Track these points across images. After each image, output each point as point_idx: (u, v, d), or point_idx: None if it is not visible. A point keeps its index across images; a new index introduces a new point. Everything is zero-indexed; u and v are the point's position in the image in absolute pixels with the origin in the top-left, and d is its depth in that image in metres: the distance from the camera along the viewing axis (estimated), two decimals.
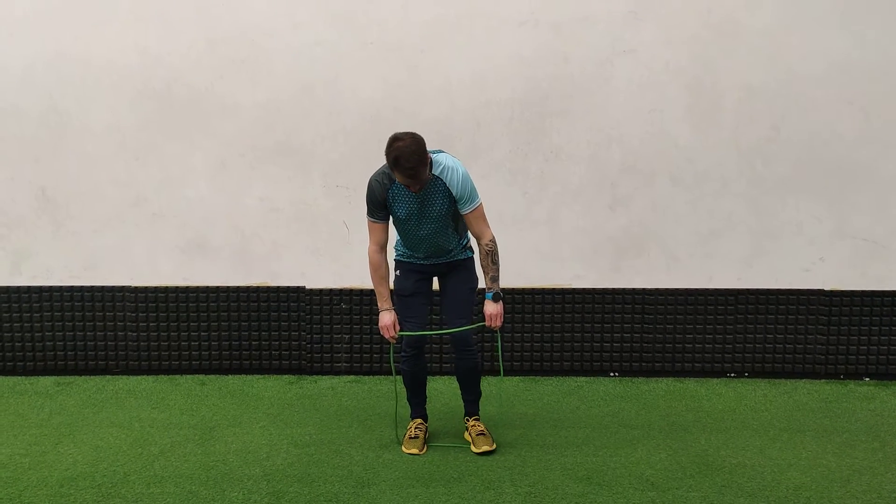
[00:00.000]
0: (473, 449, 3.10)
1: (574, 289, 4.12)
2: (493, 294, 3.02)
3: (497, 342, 3.04)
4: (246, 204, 4.09)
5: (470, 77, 3.99)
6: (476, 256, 3.17)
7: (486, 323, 3.04)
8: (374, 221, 3.04)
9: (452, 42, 3.97)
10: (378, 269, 3.06)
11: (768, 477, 2.87)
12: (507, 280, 4.01)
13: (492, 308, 3.02)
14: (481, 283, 3.14)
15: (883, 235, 4.04)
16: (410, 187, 2.85)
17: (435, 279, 3.21)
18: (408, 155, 2.74)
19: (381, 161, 4.04)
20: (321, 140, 4.04)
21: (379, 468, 2.95)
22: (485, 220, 3.02)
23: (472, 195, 2.96)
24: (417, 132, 2.85)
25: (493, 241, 3.02)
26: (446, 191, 2.93)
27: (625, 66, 3.97)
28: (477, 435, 3.14)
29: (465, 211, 2.98)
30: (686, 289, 4.10)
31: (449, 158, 2.97)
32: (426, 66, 3.98)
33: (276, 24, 3.96)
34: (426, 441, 3.17)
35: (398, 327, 3.05)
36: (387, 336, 3.04)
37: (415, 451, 3.08)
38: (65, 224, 4.10)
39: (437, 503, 2.66)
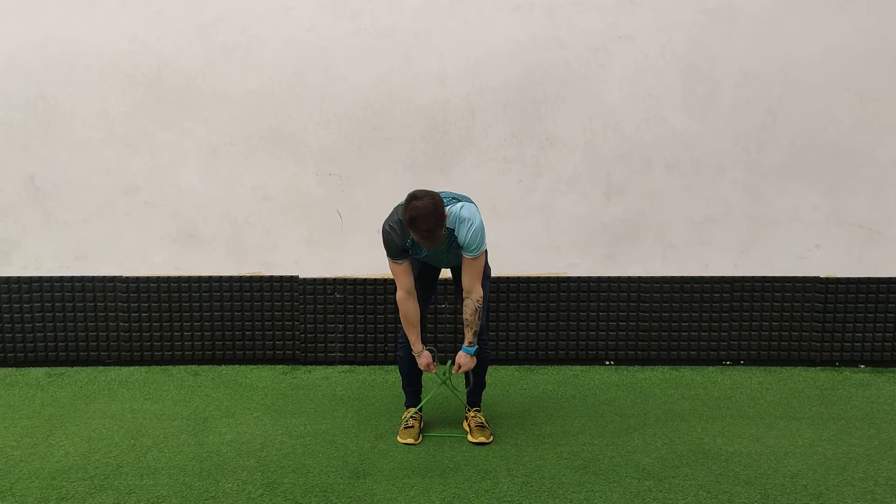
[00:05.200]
0: (470, 439, 3.09)
1: (569, 277, 4.10)
2: (475, 349, 2.99)
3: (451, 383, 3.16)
4: (238, 192, 4.05)
5: (464, 63, 3.94)
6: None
7: (454, 370, 3.02)
8: (396, 263, 2.90)
9: (446, 27, 3.92)
10: (407, 316, 2.97)
11: (765, 465, 2.87)
12: (502, 269, 4.00)
13: (467, 360, 2.98)
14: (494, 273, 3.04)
15: (879, 222, 4.03)
16: (424, 245, 2.77)
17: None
18: (425, 217, 2.63)
19: (374, 149, 4.05)
20: (314, 127, 4.00)
21: (374, 458, 2.93)
22: (480, 274, 2.91)
23: (478, 245, 2.84)
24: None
25: (482, 298, 2.94)
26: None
27: (620, 52, 3.94)
28: (476, 426, 3.12)
29: (466, 255, 2.87)
30: (682, 276, 4.09)
31: (465, 210, 2.83)
32: (420, 51, 3.93)
33: (268, 9, 3.90)
34: (421, 431, 3.16)
35: (434, 364, 3.07)
36: (430, 372, 3.08)
37: (410, 440, 3.07)
38: (54, 213, 4.04)
39: (433, 493, 2.65)
